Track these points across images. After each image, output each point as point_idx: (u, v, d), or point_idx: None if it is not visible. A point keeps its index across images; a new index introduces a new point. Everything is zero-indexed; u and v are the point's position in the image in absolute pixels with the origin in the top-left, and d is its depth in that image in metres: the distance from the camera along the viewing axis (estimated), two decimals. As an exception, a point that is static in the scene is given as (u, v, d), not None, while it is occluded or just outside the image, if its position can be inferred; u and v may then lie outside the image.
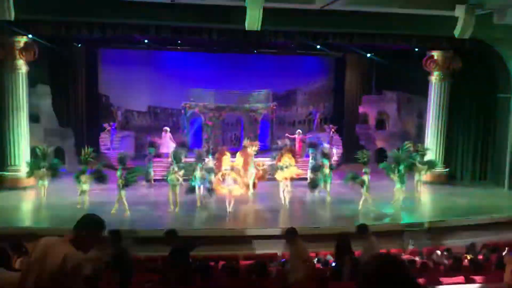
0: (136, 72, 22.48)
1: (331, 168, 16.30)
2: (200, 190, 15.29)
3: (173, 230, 8.39)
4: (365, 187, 14.83)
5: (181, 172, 14.75)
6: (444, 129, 19.10)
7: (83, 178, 14.33)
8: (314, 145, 18.34)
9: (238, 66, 22.66)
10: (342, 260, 8.06)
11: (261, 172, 16.48)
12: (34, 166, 15.14)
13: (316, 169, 16.68)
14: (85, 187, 14.38)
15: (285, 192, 15.55)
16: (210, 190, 15.22)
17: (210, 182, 15.22)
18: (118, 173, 14.18)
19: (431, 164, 17.31)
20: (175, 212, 14.54)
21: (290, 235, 8.07)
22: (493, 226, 14.05)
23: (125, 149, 20.92)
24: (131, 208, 14.16)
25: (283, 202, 15.56)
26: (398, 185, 15.27)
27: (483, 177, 19.59)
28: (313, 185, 16.42)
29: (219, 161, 15.84)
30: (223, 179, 15.00)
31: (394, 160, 15.67)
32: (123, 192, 14.07)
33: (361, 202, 14.82)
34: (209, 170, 15.36)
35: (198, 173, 15.10)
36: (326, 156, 16.68)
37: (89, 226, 3.90)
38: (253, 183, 16.29)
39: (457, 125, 19.41)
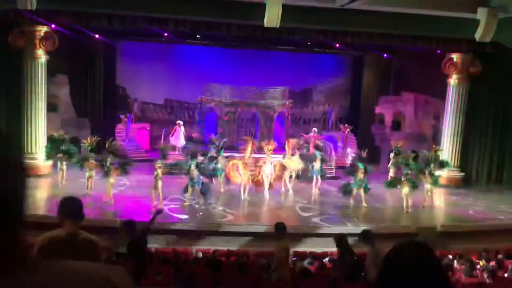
0: (154, 64, 22.59)
1: (366, 171, 15.19)
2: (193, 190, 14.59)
3: (130, 221, 8.43)
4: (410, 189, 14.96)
5: (163, 170, 14.35)
6: (461, 132, 18.92)
7: (88, 165, 14.75)
8: (319, 148, 17.83)
9: (255, 62, 22.65)
10: (342, 261, 8.07)
11: (278, 173, 16.27)
12: (52, 149, 15.74)
13: (350, 173, 15.67)
14: (91, 173, 14.77)
15: (286, 181, 16.10)
16: (204, 193, 14.62)
17: (205, 185, 14.66)
18: (108, 162, 14.48)
19: (442, 164, 16.85)
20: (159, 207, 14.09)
21: (278, 230, 8.02)
22: (508, 232, 13.87)
23: (141, 140, 21.29)
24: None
25: (288, 189, 16.10)
26: (428, 186, 15.40)
27: (499, 181, 19.37)
28: (346, 190, 15.40)
29: (245, 149, 16.47)
30: (237, 168, 15.30)
31: (423, 161, 15.62)
32: (111, 180, 14.38)
33: (405, 205, 14.89)
34: (206, 171, 15.10)
35: (193, 172, 14.46)
36: (362, 159, 15.50)
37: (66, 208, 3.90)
38: (270, 183, 16.01)
39: (474, 128, 19.20)
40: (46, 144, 16.68)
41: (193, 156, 14.96)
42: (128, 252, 7.81)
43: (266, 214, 15.04)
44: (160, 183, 14.12)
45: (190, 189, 14.45)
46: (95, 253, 3.80)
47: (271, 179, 16.01)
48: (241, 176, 15.52)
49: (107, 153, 14.66)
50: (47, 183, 16.45)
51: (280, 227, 8.06)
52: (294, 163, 16.55)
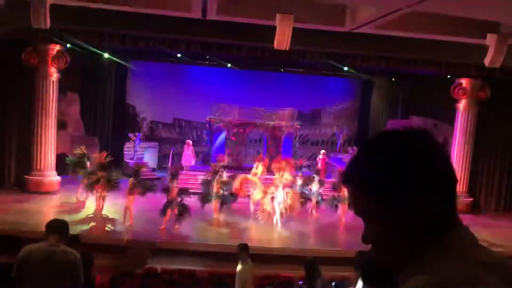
0: (163, 84, 22.80)
1: None
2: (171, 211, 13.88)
3: (75, 236, 8.26)
4: None
5: (138, 190, 14.01)
6: (469, 157, 18.82)
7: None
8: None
9: (264, 84, 22.78)
10: (312, 284, 7.98)
11: (289, 201, 15.18)
12: (76, 164, 15.96)
13: (335, 187, 15.57)
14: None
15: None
16: (182, 214, 13.79)
17: (183, 206, 13.80)
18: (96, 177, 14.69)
19: None
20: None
21: (241, 251, 7.94)
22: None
23: (149, 159, 21.42)
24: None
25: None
26: None
27: (507, 208, 19.20)
28: (332, 204, 15.55)
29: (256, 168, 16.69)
30: (245, 183, 15.27)
31: None
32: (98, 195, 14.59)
33: None
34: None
35: (172, 193, 13.89)
36: None
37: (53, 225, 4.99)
38: (281, 212, 15.07)
39: (482, 154, 19.10)
40: (71, 158, 16.58)
41: (174, 176, 14.66)
42: None
43: (270, 237, 14.95)
44: (131, 201, 13.89)
45: (168, 211, 13.67)
46: (74, 261, 4.48)
47: (282, 208, 15.00)
48: (251, 192, 15.49)
49: (97, 167, 14.84)
50: (56, 200, 16.54)
51: (242, 248, 7.99)
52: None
